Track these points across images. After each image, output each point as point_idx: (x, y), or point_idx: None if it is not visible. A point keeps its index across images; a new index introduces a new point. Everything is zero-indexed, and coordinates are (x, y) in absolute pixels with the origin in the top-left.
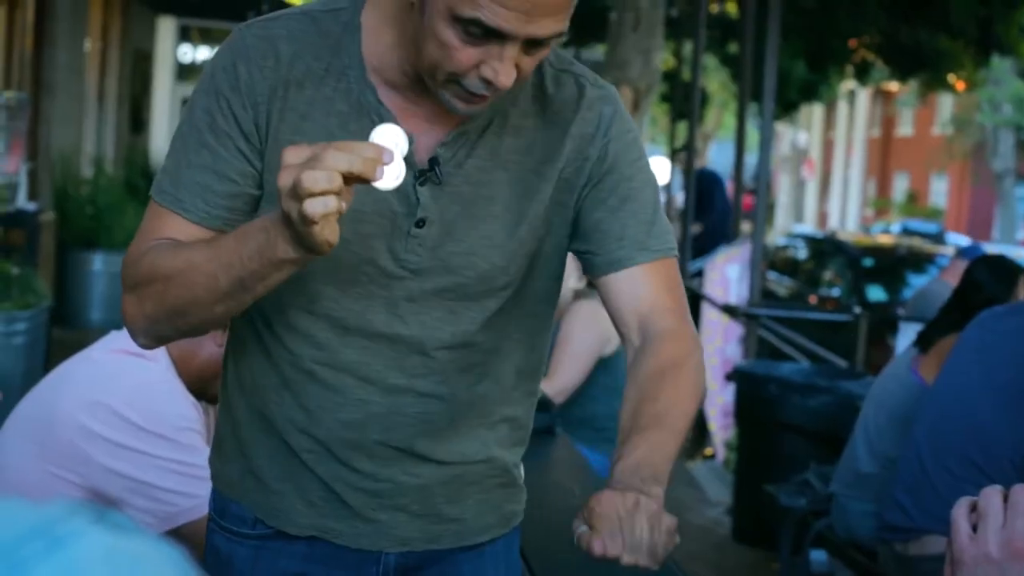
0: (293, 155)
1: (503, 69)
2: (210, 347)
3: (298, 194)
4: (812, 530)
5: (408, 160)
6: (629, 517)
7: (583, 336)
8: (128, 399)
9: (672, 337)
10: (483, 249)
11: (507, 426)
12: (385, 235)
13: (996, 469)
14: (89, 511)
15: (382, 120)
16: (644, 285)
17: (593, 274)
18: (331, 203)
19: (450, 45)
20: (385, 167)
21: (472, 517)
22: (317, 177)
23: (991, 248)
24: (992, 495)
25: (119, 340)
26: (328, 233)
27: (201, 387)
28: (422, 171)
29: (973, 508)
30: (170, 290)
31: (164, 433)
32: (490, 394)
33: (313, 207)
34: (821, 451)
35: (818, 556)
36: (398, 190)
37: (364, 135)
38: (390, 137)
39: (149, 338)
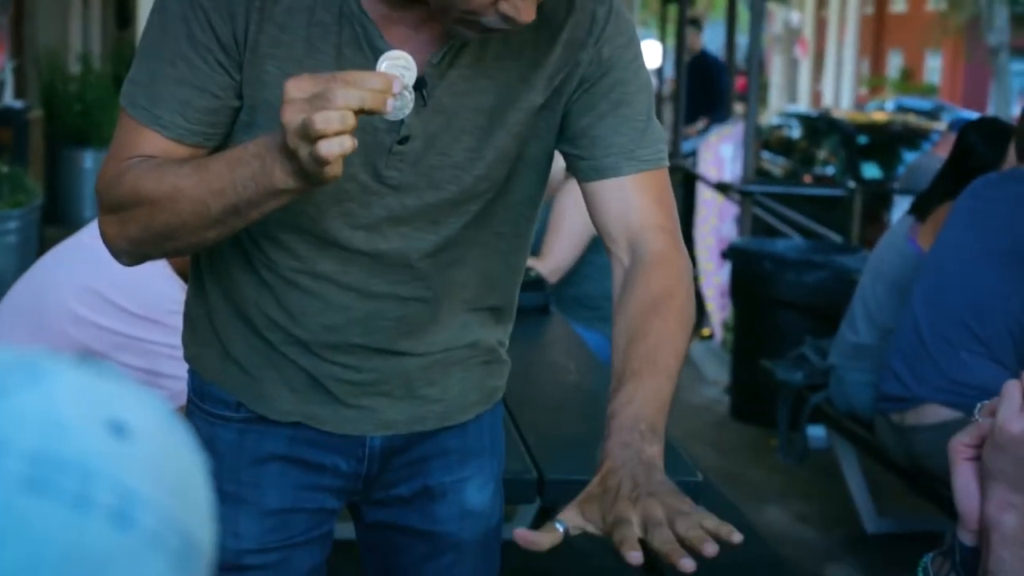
0: (296, 88)
1: (525, 6)
2: None
3: (309, 135)
4: (809, 404)
5: None
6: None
7: (575, 215)
8: (118, 284)
9: (663, 262)
10: (467, 162)
11: (491, 311)
12: (366, 151)
13: (993, 337)
14: (74, 358)
15: (364, 31)
16: (634, 198)
17: (579, 178)
18: (347, 143)
19: None
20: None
21: (455, 396)
22: (330, 117)
23: None
24: None
25: None
26: (337, 169)
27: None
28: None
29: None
30: (156, 215)
31: (155, 317)
32: (474, 286)
33: (329, 148)
34: (817, 326)
35: (816, 432)
36: None
37: (346, 46)
38: (398, 64)
39: (133, 258)
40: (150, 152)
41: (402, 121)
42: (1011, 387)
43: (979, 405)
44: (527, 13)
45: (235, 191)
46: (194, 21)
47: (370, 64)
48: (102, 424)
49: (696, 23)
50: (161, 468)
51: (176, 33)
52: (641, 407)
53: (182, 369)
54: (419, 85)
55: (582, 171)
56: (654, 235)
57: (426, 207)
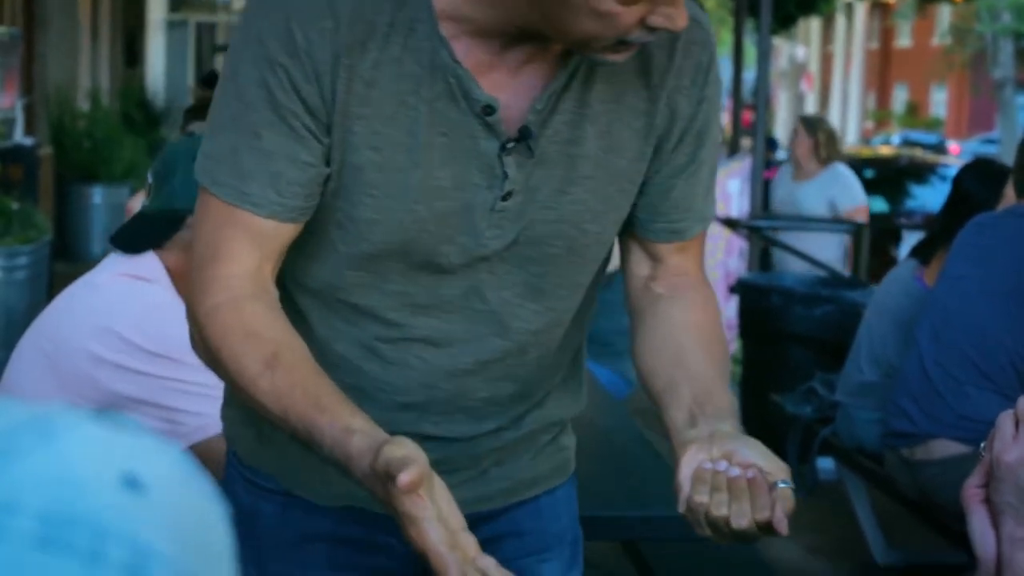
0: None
1: (677, 12)
2: None
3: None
4: (818, 438)
5: (494, 127)
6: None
7: None
8: (135, 324)
9: (704, 305)
10: (573, 216)
11: (568, 384)
12: (466, 211)
13: (998, 372)
14: (89, 410)
15: (459, 82)
16: (686, 257)
17: (640, 233)
18: None
19: (611, 12)
20: None
21: (524, 471)
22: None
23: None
24: None
25: (120, 264)
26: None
27: None
28: (509, 140)
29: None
30: (239, 391)
31: (171, 355)
32: (559, 357)
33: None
34: (825, 360)
35: (825, 464)
36: (481, 161)
37: (438, 100)
38: None
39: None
40: (240, 235)
41: (505, 175)
42: (1003, 419)
43: (983, 444)
44: (681, 19)
45: (319, 447)
46: (276, 86)
47: (466, 118)
48: (116, 479)
49: None
50: (177, 522)
51: (255, 100)
52: (700, 393)
53: (196, 405)
54: (524, 135)
55: (648, 231)
56: (691, 285)
57: (529, 263)
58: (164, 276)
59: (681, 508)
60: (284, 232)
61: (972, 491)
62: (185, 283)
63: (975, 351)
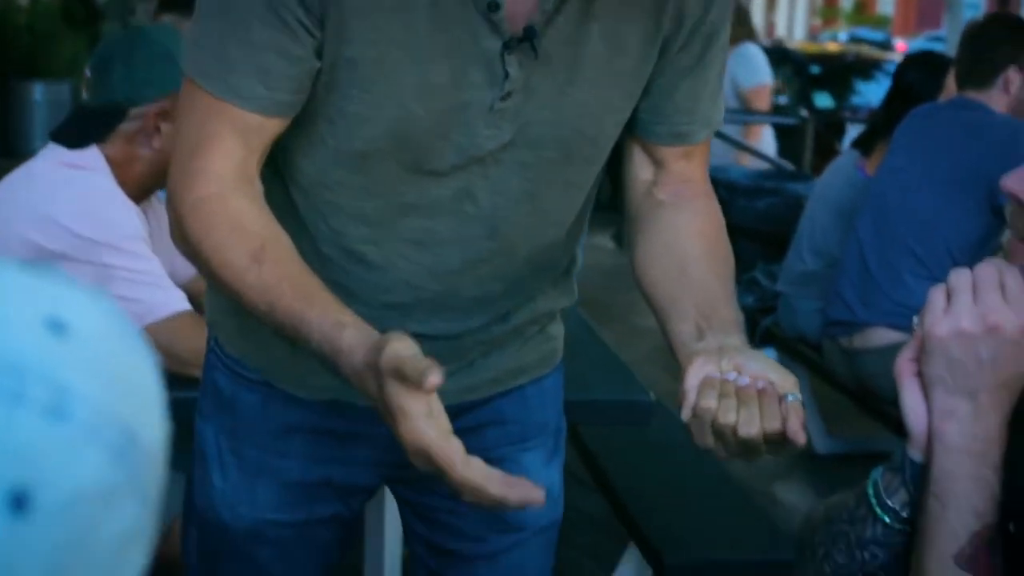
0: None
1: None
2: (146, 152)
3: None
4: (760, 327)
5: (498, 25)
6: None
7: None
8: (75, 211)
9: (709, 214)
10: (572, 118)
11: (556, 279)
12: (463, 110)
13: (935, 261)
14: (18, 260)
15: None
16: (692, 163)
17: (643, 136)
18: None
19: None
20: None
21: (510, 362)
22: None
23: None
24: (962, 273)
25: (59, 153)
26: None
27: (141, 192)
28: (513, 39)
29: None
30: (224, 286)
31: (112, 243)
32: (550, 256)
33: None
34: (769, 252)
35: (767, 354)
36: (482, 60)
37: None
38: None
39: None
40: (226, 130)
41: (506, 74)
42: (935, 292)
43: (915, 318)
44: None
45: (307, 341)
46: None
47: (469, 14)
48: (40, 322)
49: None
50: (102, 366)
51: None
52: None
53: (137, 292)
54: (529, 35)
55: (655, 135)
56: (697, 193)
57: (525, 166)
58: (104, 166)
59: (686, 415)
60: (271, 126)
61: (905, 364)
62: (126, 177)
63: (913, 239)
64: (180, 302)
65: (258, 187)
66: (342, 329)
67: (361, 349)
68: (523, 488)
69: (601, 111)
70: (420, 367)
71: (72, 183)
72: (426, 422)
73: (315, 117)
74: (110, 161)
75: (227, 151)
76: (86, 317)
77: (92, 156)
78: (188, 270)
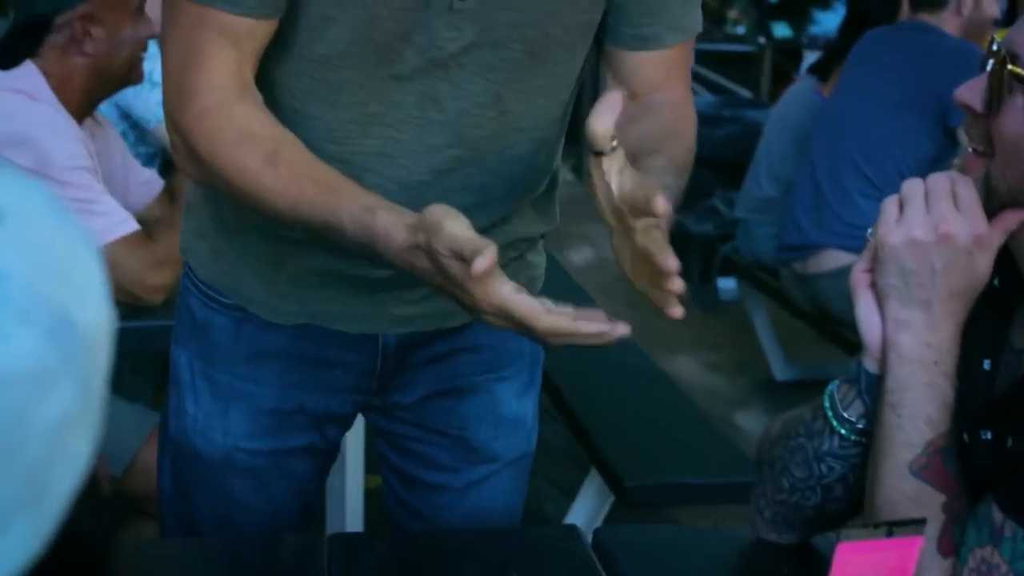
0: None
1: None
2: (80, 60)
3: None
4: (719, 255)
5: None
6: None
7: None
8: (14, 141)
9: (684, 115)
10: (536, 17)
11: (535, 201)
12: (423, 9)
13: (886, 181)
14: None
15: None
16: (664, 70)
17: (609, 42)
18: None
19: None
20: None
21: None
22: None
23: None
24: (915, 183)
25: (2, 78)
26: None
27: (87, 106)
28: None
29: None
30: (244, 200)
31: (52, 174)
32: (525, 171)
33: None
34: (728, 180)
35: (727, 284)
36: None
37: None
38: None
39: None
40: (216, 39)
41: None
42: (888, 203)
43: (869, 230)
44: None
45: (340, 234)
46: None
47: None
48: None
49: None
50: (35, 249)
51: None
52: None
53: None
54: None
55: (617, 37)
56: (677, 103)
57: (489, 70)
58: (45, 88)
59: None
60: (259, 30)
61: (859, 276)
62: (69, 92)
63: (864, 160)
64: (116, 227)
65: (258, 94)
66: (374, 213)
67: (398, 231)
68: (604, 322)
69: (565, 9)
70: (477, 248)
71: (15, 112)
72: (499, 281)
73: (281, 23)
74: (49, 78)
75: (221, 60)
76: (21, 202)
77: (33, 80)
78: (142, 196)
